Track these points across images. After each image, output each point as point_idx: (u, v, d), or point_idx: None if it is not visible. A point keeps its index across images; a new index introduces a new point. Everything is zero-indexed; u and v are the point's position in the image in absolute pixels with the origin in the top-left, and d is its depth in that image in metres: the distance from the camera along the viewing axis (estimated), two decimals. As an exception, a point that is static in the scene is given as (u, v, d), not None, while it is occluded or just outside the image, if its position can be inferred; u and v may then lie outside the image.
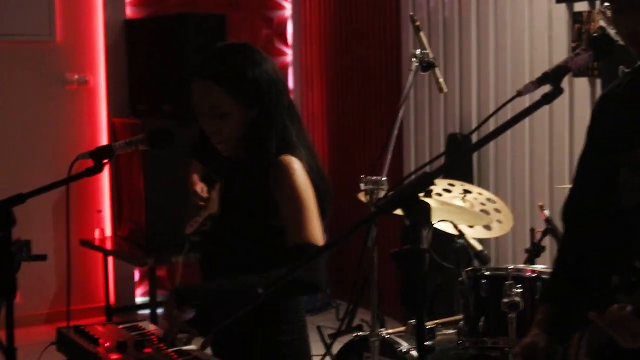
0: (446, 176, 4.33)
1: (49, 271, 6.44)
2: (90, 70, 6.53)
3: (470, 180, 5.17)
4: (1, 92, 6.28)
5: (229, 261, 2.60)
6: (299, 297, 2.67)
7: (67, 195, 2.72)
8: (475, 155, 5.56)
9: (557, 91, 2.09)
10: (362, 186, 3.38)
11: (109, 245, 6.37)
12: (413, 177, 1.99)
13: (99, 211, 6.54)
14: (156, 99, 6.16)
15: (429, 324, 3.71)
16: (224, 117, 2.53)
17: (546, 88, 2.09)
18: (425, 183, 1.91)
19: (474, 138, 5.05)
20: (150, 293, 6.02)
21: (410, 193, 1.90)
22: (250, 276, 2.38)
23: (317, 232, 2.48)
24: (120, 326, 2.70)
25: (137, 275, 6.82)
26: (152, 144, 2.59)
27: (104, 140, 6.51)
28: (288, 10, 7.27)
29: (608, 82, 3.94)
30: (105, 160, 2.58)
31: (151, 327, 2.64)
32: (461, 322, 3.52)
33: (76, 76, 6.48)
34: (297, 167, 2.52)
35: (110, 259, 6.54)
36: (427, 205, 1.89)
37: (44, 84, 6.40)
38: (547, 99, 2.09)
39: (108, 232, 6.58)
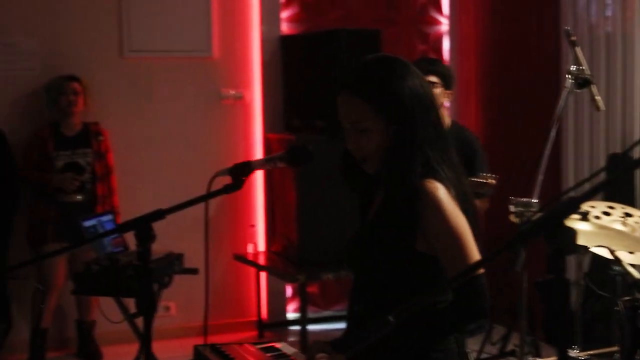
0: (606, 198, 4.11)
1: (203, 284, 6.51)
2: (245, 85, 6.59)
3: (632, 203, 4.91)
4: (161, 106, 6.42)
5: (372, 280, 2.51)
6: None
7: (205, 212, 2.72)
8: (638, 175, 5.29)
9: None
10: (511, 208, 3.25)
11: (262, 260, 6.39)
12: (563, 200, 1.87)
13: (252, 226, 6.59)
14: (309, 115, 6.15)
15: (582, 355, 3.53)
16: (365, 132, 2.43)
17: None
18: (570, 209, 1.77)
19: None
20: (301, 309, 6.00)
21: (555, 219, 1.77)
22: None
23: (475, 254, 2.37)
24: (258, 346, 2.66)
25: (289, 291, 6.82)
26: (291, 161, 2.55)
27: (258, 155, 6.55)
28: (444, 25, 7.15)
29: None
30: (243, 177, 2.55)
31: (289, 349, 2.59)
32: (617, 355, 3.33)
33: (232, 92, 6.56)
34: (442, 195, 2.38)
35: (263, 274, 6.57)
36: (573, 231, 1.76)
37: (201, 99, 6.51)
38: None
39: (261, 247, 6.61)
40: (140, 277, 2.55)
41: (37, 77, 6.03)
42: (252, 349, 2.61)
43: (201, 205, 2.51)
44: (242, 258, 6.42)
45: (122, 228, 2.59)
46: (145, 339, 2.66)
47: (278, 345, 2.61)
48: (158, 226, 5.05)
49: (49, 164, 5.81)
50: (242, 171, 2.56)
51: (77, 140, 5.91)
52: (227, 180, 2.61)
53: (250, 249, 6.48)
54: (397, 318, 1.90)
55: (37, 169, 5.83)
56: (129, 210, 5.65)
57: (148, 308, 2.61)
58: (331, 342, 2.39)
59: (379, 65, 2.48)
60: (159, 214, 2.53)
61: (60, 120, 5.93)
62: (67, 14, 6.17)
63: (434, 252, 2.39)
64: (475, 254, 2.37)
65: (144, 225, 2.53)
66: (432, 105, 2.48)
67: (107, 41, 6.27)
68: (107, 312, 4.92)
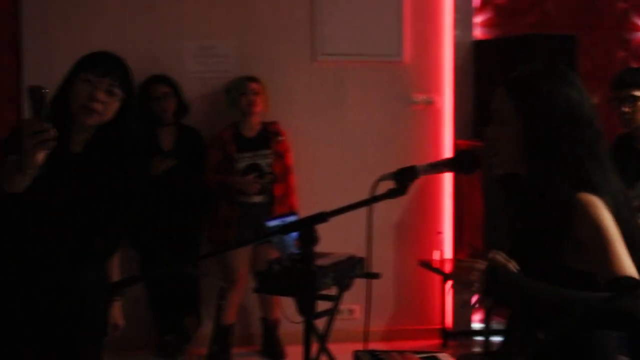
0: None
1: (388, 289, 6.51)
2: (436, 90, 6.53)
3: None
4: (350, 109, 6.45)
5: None
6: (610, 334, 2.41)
7: (369, 217, 2.68)
8: None
9: None
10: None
11: (448, 268, 6.30)
12: None
13: (440, 233, 6.51)
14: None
15: None
16: (503, 124, 2.41)
17: None
18: None
19: None
20: (486, 320, 5.88)
21: None
22: (576, 292, 2.20)
23: (628, 265, 2.23)
24: (420, 356, 2.60)
25: (474, 300, 6.69)
26: (457, 167, 2.48)
27: (448, 162, 6.46)
28: (648, 31, 6.84)
29: None
30: (408, 182, 2.51)
31: (449, 360, 2.52)
32: None
33: (423, 96, 6.51)
34: (599, 205, 2.27)
35: (448, 282, 6.48)
36: None
37: (390, 104, 6.49)
38: None
39: (448, 254, 6.52)
40: (302, 279, 2.55)
41: (231, 79, 6.18)
42: (413, 358, 2.56)
43: (390, 209, 2.49)
44: (427, 265, 6.35)
45: (285, 229, 2.60)
46: (307, 339, 2.65)
47: (440, 356, 2.55)
48: (343, 229, 5.11)
49: (230, 165, 5.92)
50: (406, 176, 2.51)
51: (257, 142, 5.98)
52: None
53: (436, 256, 6.40)
54: (548, 335, 1.81)
55: (219, 170, 5.96)
56: (311, 211, 5.71)
57: (309, 309, 2.61)
58: (488, 357, 2.31)
59: (539, 69, 2.44)
60: (322, 217, 2.53)
61: (240, 120, 6.03)
62: (262, 18, 6.30)
63: (586, 268, 2.26)
64: (627, 262, 2.23)
65: (307, 228, 2.53)
66: (588, 124, 2.37)
67: (299, 45, 6.36)
68: (289, 312, 4.98)
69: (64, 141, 2.99)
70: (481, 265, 2.27)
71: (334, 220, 2.59)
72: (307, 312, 2.60)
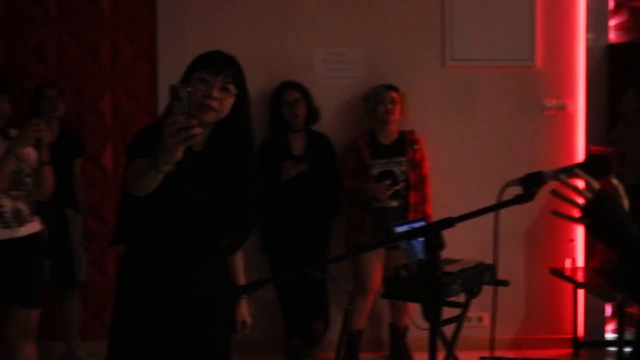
0: None
1: (518, 297, 6.43)
2: (569, 95, 6.41)
3: None
4: (480, 115, 6.40)
5: None
6: None
7: (495, 223, 2.66)
8: None
9: None
10: None
11: (579, 276, 6.17)
12: None
13: (572, 240, 6.39)
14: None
15: None
16: (630, 127, 2.36)
17: None
18: None
19: None
20: (619, 330, 5.73)
21: None
22: None
23: None
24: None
25: (608, 310, 6.54)
26: (588, 172, 2.42)
27: (580, 168, 6.33)
28: None
29: None
30: (535, 188, 2.47)
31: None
32: None
33: (554, 102, 6.40)
34: None
35: (580, 291, 6.34)
36: None
37: (521, 109, 6.41)
38: None
39: (580, 262, 6.39)
40: (429, 285, 2.55)
41: (360, 85, 6.22)
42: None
43: (521, 216, 2.46)
44: (559, 273, 6.24)
45: (411, 234, 2.60)
46: (432, 345, 2.65)
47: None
48: (473, 235, 5.07)
49: (365, 171, 5.96)
50: (534, 182, 2.48)
51: (392, 149, 5.99)
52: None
53: (568, 264, 6.29)
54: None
55: (353, 176, 6.00)
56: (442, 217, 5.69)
57: (435, 315, 2.61)
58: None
59: None
60: (449, 222, 2.52)
61: (377, 128, 6.06)
62: (392, 24, 6.32)
63: None
64: None
65: (433, 233, 2.53)
66: None
67: (429, 50, 6.35)
68: (417, 318, 4.98)
69: None
70: (594, 185, 2.21)
71: (463, 227, 2.58)
72: (433, 318, 2.60)
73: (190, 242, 3.18)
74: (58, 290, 5.90)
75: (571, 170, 2.48)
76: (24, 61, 6.18)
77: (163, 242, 3.14)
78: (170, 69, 6.11)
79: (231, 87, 3.13)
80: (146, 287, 3.16)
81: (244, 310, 3.49)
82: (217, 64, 3.14)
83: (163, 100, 5.98)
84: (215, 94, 3.08)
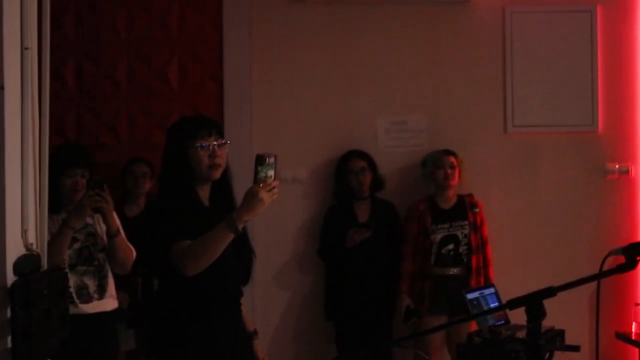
0: None
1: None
2: (632, 159, 6.40)
3: None
4: (543, 180, 6.41)
5: None
6: None
7: (597, 292, 2.68)
8: None
9: None
10: None
11: (646, 341, 6.12)
12: None
13: (637, 304, 6.33)
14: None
15: None
16: None
17: None
18: None
19: None
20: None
21: None
22: None
23: None
24: None
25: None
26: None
27: (643, 233, 6.33)
28: None
29: None
30: (638, 257, 2.50)
31: None
32: None
33: (617, 166, 6.40)
34: None
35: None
36: None
37: (584, 174, 6.41)
38: None
39: (645, 326, 6.34)
40: (530, 355, 2.57)
41: (423, 153, 6.26)
42: None
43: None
44: (625, 337, 6.18)
45: (512, 304, 2.62)
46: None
47: None
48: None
49: (426, 237, 5.97)
50: (636, 251, 2.51)
51: (454, 213, 6.02)
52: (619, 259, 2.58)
53: (634, 328, 6.23)
54: None
55: (415, 242, 6.02)
56: (505, 283, 5.68)
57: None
58: None
59: None
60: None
61: (436, 193, 6.09)
62: (454, 93, 6.39)
63: None
64: None
65: (535, 302, 2.56)
66: None
67: (491, 117, 6.40)
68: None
69: (197, 198, 3.59)
70: None
71: (526, 291, 2.60)
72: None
73: (235, 284, 3.65)
74: (144, 359, 5.94)
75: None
76: (95, 133, 6.32)
77: (217, 288, 3.52)
78: (235, 90, 6.28)
79: (223, 142, 3.60)
80: (207, 330, 3.51)
81: (261, 348, 3.86)
82: (206, 127, 3.56)
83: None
84: (219, 153, 3.55)
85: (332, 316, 6.14)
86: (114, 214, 4.52)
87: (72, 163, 4.55)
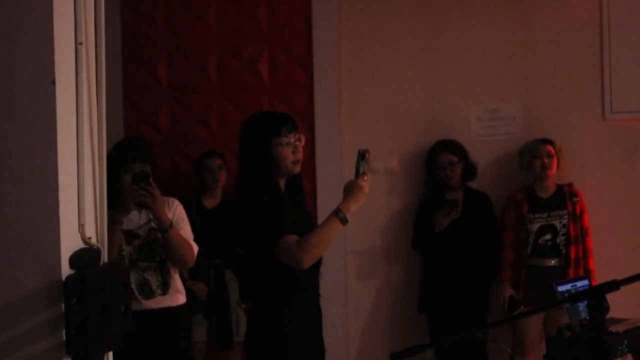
0: None
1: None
2: None
3: None
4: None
5: None
6: None
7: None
8: None
9: None
10: None
11: None
12: None
13: None
14: None
15: None
16: None
17: None
18: None
19: None
20: None
21: None
22: None
23: None
24: None
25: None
26: None
27: None
28: None
29: None
30: None
31: None
32: None
33: None
34: None
35: None
36: None
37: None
38: None
39: None
40: (593, 349, 2.47)
41: (517, 141, 6.15)
42: None
43: None
44: None
45: (574, 298, 2.53)
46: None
47: None
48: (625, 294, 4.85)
49: (524, 226, 5.86)
50: None
51: (552, 202, 5.90)
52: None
53: None
54: None
55: (513, 231, 5.90)
56: (604, 274, 5.51)
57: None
58: None
59: None
60: (614, 285, 2.44)
61: (535, 183, 5.97)
62: (548, 79, 6.24)
63: None
64: None
65: (597, 296, 2.45)
66: None
67: (589, 103, 6.22)
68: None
69: (284, 193, 3.75)
70: None
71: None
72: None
73: (316, 273, 3.80)
74: (216, 350, 5.99)
75: None
76: (187, 127, 6.39)
77: (307, 278, 3.68)
78: (326, 83, 6.28)
79: (303, 137, 3.75)
80: (303, 327, 3.70)
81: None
82: (286, 125, 3.68)
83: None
84: (299, 148, 3.71)
85: (425, 309, 6.07)
86: (164, 209, 4.46)
87: (130, 158, 4.49)
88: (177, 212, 4.62)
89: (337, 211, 3.55)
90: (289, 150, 3.68)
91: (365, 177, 3.60)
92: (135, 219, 4.53)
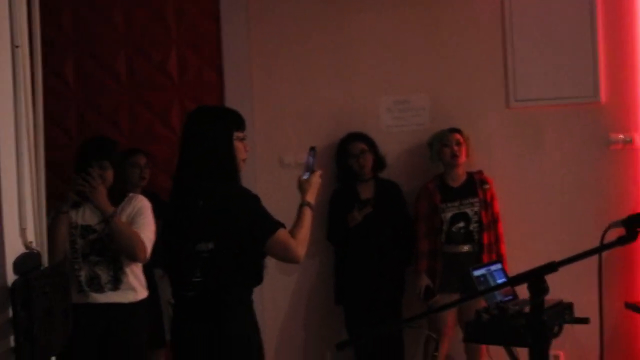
0: None
1: (593, 333, 6.36)
2: (635, 129, 6.38)
3: None
4: (547, 153, 6.40)
5: None
6: None
7: (599, 265, 2.67)
8: None
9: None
10: None
11: (655, 309, 6.11)
12: None
13: (647, 273, 6.33)
14: None
15: None
16: None
17: None
18: None
19: None
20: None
21: None
22: None
23: None
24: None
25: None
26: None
27: (648, 203, 6.32)
28: None
29: None
30: (638, 229, 2.48)
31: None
32: None
33: (621, 136, 6.38)
34: None
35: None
36: None
37: (588, 145, 6.39)
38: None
39: (657, 295, 6.33)
40: (534, 330, 2.56)
41: (426, 131, 6.26)
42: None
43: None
44: (634, 307, 6.17)
45: (514, 280, 2.62)
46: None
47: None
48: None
49: (437, 215, 5.97)
50: (637, 222, 2.49)
51: (463, 191, 6.02)
52: (620, 230, 2.57)
53: (644, 297, 6.23)
54: None
55: (426, 220, 6.02)
56: (516, 257, 5.68)
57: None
58: None
59: None
60: (552, 267, 2.53)
61: (445, 172, 6.09)
62: (455, 70, 6.37)
63: None
64: None
65: (537, 278, 2.54)
66: None
67: (493, 93, 6.38)
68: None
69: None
70: None
71: (533, 264, 2.59)
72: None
73: None
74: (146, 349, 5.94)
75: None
76: (97, 127, 6.33)
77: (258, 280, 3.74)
78: (236, 81, 6.29)
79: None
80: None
81: None
82: (244, 122, 3.74)
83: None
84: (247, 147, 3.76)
85: (341, 300, 6.14)
86: (104, 199, 4.50)
87: (97, 155, 4.61)
88: (137, 207, 4.65)
89: (307, 203, 3.79)
90: (243, 147, 3.73)
91: (319, 172, 3.90)
92: (98, 215, 4.54)
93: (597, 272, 2.70)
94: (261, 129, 6.31)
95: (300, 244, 3.64)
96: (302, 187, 3.86)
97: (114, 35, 6.33)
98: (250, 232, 3.56)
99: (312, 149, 3.91)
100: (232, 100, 6.25)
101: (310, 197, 3.81)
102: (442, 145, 6.04)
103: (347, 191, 6.14)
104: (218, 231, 3.55)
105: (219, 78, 6.33)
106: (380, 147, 6.22)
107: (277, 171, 6.24)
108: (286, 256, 3.63)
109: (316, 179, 3.87)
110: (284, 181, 6.28)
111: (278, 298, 6.39)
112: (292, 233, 3.64)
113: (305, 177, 3.89)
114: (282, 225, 3.64)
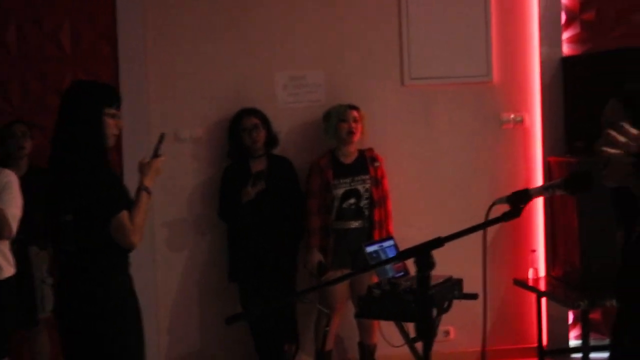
0: None
1: (483, 310, 6.50)
2: (526, 109, 6.54)
3: None
4: (440, 132, 6.50)
5: None
6: None
7: (484, 241, 2.72)
8: None
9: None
10: None
11: (542, 285, 6.27)
12: None
13: (533, 251, 6.49)
14: (593, 137, 5.95)
15: None
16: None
17: None
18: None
19: None
20: (583, 337, 5.83)
21: None
22: None
23: None
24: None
25: (571, 317, 6.66)
26: (570, 189, 2.51)
27: (539, 180, 6.46)
28: None
29: None
30: (522, 205, 2.55)
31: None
32: None
33: (512, 115, 6.53)
34: None
35: (543, 300, 6.45)
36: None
37: (480, 124, 6.52)
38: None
39: (542, 272, 6.50)
40: (420, 304, 2.61)
41: (321, 108, 6.27)
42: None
43: (481, 230, 2.53)
44: (522, 283, 6.33)
45: (402, 255, 2.65)
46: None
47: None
48: (437, 251, 5.10)
49: (329, 192, 5.98)
50: (520, 199, 2.55)
51: (355, 168, 6.04)
52: (505, 207, 2.62)
53: (530, 274, 6.38)
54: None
55: (318, 197, 6.04)
56: (405, 235, 5.75)
57: (427, 333, 2.66)
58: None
59: None
60: (439, 242, 2.57)
61: (338, 148, 6.10)
62: (351, 47, 6.41)
63: None
64: None
65: (424, 253, 2.58)
66: None
67: (388, 71, 6.44)
68: (388, 336, 5.06)
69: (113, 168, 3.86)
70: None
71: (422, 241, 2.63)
72: (426, 336, 2.65)
73: None
74: (18, 329, 5.81)
75: (555, 187, 2.56)
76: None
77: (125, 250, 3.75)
78: (130, 54, 6.19)
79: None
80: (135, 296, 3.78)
81: None
82: (118, 100, 3.78)
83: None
84: (120, 125, 3.77)
85: (235, 277, 6.13)
86: None
87: None
88: (3, 183, 4.56)
89: (144, 188, 3.77)
90: (115, 123, 3.73)
91: (162, 158, 3.92)
92: None
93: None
94: (156, 104, 6.24)
95: (137, 230, 3.66)
96: (142, 170, 3.87)
97: (3, 4, 6.15)
98: (97, 209, 3.61)
99: (162, 135, 3.97)
100: (126, 74, 6.16)
101: (149, 182, 3.81)
102: (339, 120, 6.04)
103: (239, 167, 6.11)
104: (74, 204, 3.62)
105: (113, 50, 6.22)
106: (275, 124, 6.21)
107: (172, 146, 6.18)
108: (124, 241, 3.65)
109: (157, 164, 3.88)
110: (179, 156, 6.23)
111: (170, 276, 6.34)
112: (130, 218, 3.66)
113: (146, 160, 3.91)
114: (125, 207, 3.66)
